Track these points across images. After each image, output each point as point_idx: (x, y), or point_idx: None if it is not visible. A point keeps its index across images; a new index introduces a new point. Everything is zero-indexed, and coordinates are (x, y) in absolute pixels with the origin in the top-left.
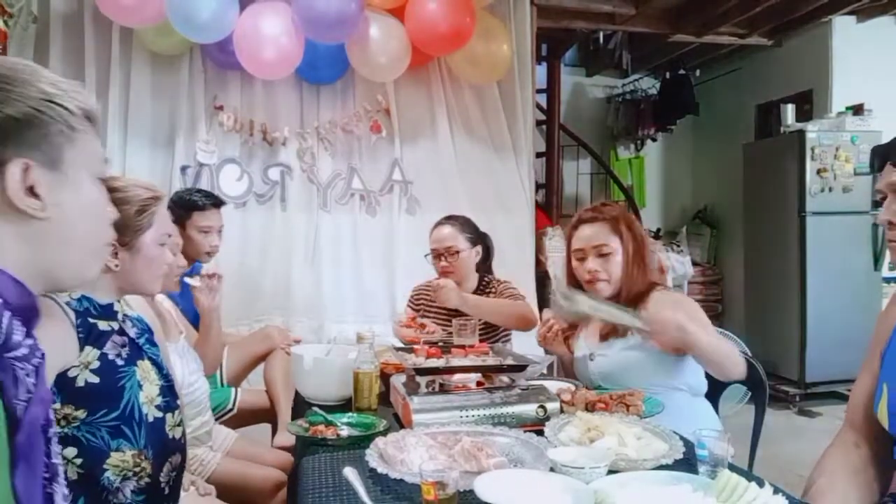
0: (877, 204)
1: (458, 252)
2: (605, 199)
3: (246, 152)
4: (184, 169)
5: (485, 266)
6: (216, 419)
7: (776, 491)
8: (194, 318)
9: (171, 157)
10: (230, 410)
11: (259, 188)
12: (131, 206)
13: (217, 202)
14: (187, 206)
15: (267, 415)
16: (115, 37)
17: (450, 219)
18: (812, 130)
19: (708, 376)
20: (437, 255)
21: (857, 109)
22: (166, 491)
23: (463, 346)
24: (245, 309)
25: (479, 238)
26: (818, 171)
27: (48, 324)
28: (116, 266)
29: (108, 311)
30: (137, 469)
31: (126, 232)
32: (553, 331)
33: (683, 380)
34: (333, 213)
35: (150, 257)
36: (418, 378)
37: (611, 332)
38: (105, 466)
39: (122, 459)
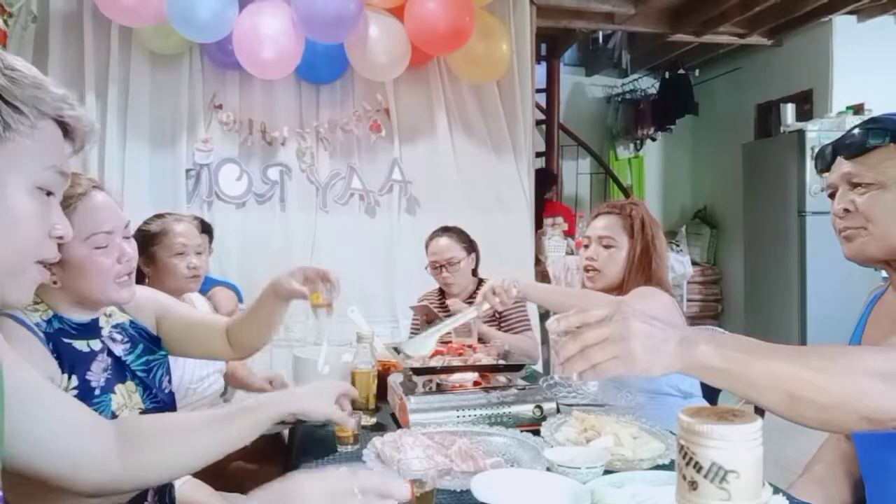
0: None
1: (458, 262)
2: (608, 200)
3: (245, 152)
4: (187, 171)
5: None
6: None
7: (776, 491)
8: None
9: (171, 156)
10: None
11: (258, 188)
12: None
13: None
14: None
15: None
16: (115, 36)
17: (445, 230)
18: (812, 130)
19: None
20: (438, 266)
21: (858, 109)
22: None
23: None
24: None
25: (472, 245)
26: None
27: (19, 347)
28: (55, 283)
29: (88, 330)
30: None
31: None
32: None
33: (669, 382)
34: (333, 213)
35: (80, 266)
36: (415, 378)
37: None
38: None
39: None
